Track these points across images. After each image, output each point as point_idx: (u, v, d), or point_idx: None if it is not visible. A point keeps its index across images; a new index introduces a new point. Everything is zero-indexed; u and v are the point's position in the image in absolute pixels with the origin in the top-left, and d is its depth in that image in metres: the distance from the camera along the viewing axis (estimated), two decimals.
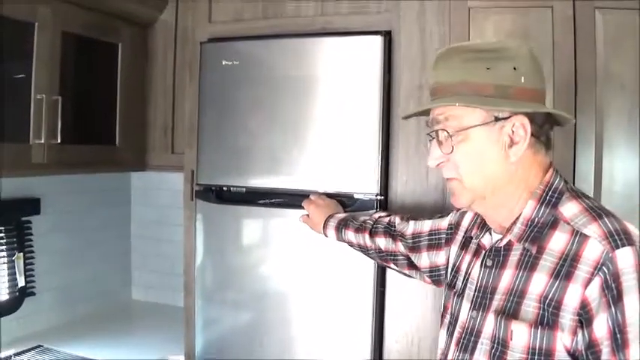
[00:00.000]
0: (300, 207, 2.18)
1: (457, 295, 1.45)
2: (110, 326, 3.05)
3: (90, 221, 3.25)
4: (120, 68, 2.82)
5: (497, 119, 1.25)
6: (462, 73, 1.27)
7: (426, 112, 1.40)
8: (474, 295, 1.37)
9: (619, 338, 1.09)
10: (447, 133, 1.29)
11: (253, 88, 2.33)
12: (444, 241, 1.65)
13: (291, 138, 2.27)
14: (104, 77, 2.81)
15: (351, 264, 2.18)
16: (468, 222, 1.55)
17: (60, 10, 2.41)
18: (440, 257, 1.65)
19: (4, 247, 2.70)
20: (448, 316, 1.47)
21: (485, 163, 1.28)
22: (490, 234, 1.40)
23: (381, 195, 2.17)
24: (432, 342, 2.09)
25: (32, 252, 2.85)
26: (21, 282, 2.75)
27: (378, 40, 2.16)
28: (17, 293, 2.76)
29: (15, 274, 2.74)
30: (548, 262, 1.22)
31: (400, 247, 1.81)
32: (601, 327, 1.11)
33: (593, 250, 1.15)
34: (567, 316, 1.15)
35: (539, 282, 1.21)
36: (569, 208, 1.25)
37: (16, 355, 2.57)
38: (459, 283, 1.46)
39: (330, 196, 2.20)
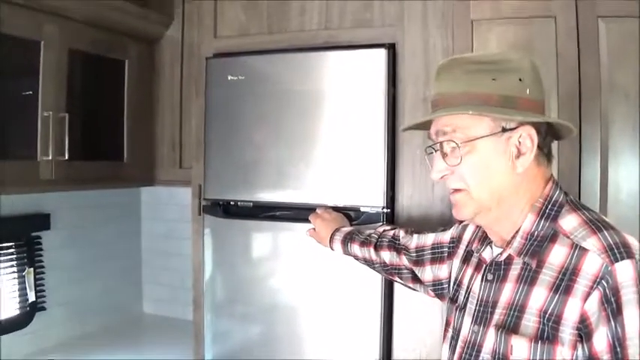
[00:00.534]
0: (307, 220, 2.17)
1: (459, 310, 1.45)
2: (121, 340, 3.06)
3: (100, 236, 3.26)
4: (127, 84, 2.85)
5: (504, 130, 1.25)
6: (465, 83, 1.27)
7: (424, 126, 1.40)
8: (475, 309, 1.37)
9: (619, 352, 1.09)
10: (455, 144, 1.28)
11: (259, 102, 2.34)
12: (446, 254, 1.64)
13: (297, 152, 2.28)
14: (111, 93, 2.83)
15: (359, 278, 2.17)
16: (470, 235, 1.55)
17: (66, 28, 2.44)
18: (442, 271, 1.65)
19: (14, 263, 2.72)
20: (450, 331, 1.47)
21: (492, 175, 1.28)
22: (491, 248, 1.39)
23: (387, 208, 2.16)
24: (440, 356, 2.08)
25: (42, 267, 2.86)
26: (31, 297, 2.77)
27: (382, 53, 2.16)
28: (28, 308, 2.77)
29: (25, 289, 2.75)
30: (547, 276, 1.21)
31: (404, 260, 1.80)
32: (601, 341, 1.10)
33: (593, 263, 1.14)
34: (567, 331, 1.15)
35: (538, 296, 1.21)
36: (569, 221, 1.24)
37: None
38: (461, 298, 1.46)
39: (336, 209, 2.20)
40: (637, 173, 1.95)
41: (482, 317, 1.33)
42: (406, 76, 2.19)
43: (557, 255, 1.21)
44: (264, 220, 2.36)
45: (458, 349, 1.40)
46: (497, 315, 1.29)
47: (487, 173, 1.28)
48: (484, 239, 1.43)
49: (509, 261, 1.31)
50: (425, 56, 2.18)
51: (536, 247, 1.25)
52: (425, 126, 1.40)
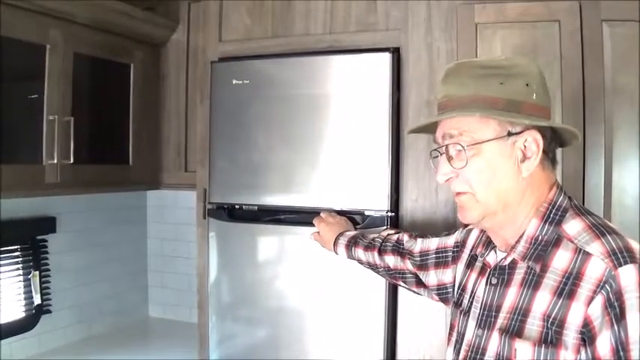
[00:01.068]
0: (312, 224, 2.18)
1: (463, 314, 1.44)
2: (127, 344, 3.07)
3: (106, 239, 3.27)
4: (132, 88, 2.86)
5: (510, 134, 1.26)
6: (474, 87, 1.27)
7: (427, 129, 1.41)
8: (479, 313, 1.37)
9: (622, 356, 1.08)
10: (462, 146, 1.28)
11: (263, 106, 2.35)
12: (450, 259, 1.64)
13: (301, 155, 2.29)
14: (117, 97, 2.84)
15: (363, 281, 2.18)
16: (474, 240, 1.55)
17: (71, 32, 2.45)
18: (447, 275, 1.64)
19: (20, 266, 2.73)
20: (455, 335, 1.47)
21: (497, 178, 1.28)
22: (495, 252, 1.39)
23: (391, 211, 2.17)
24: None
25: (48, 270, 2.88)
26: (37, 300, 2.78)
27: (386, 57, 2.17)
28: (33, 311, 2.78)
29: (31, 292, 2.76)
30: (551, 280, 1.21)
31: (408, 265, 1.80)
32: (604, 345, 1.10)
33: (596, 268, 1.14)
34: (571, 335, 1.15)
35: (542, 300, 1.21)
36: (573, 226, 1.24)
37: None
38: (465, 302, 1.46)
39: (341, 213, 2.21)
40: None
41: (487, 321, 1.33)
42: (410, 80, 2.20)
43: (561, 259, 1.21)
44: (269, 224, 2.37)
45: (462, 353, 1.40)
46: (501, 319, 1.29)
47: (492, 177, 1.28)
48: (488, 244, 1.43)
49: (513, 265, 1.31)
50: (429, 60, 2.18)
51: (540, 251, 1.25)
52: (429, 129, 1.40)
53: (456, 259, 1.61)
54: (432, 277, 1.70)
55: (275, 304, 2.36)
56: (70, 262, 3.03)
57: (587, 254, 1.17)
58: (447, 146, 1.32)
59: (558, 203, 1.29)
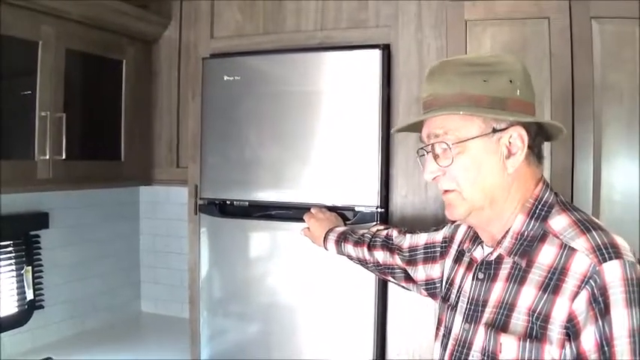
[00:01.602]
0: (302, 220, 2.19)
1: (451, 308, 1.46)
2: (119, 339, 3.08)
3: (99, 235, 3.28)
4: (124, 84, 2.86)
5: (495, 130, 1.27)
6: (458, 85, 1.28)
7: (414, 128, 1.41)
8: (466, 307, 1.38)
9: (607, 351, 1.10)
10: (447, 145, 1.29)
11: (255, 102, 2.35)
12: (438, 254, 1.65)
13: (292, 151, 2.29)
14: (109, 93, 2.84)
15: (354, 278, 2.19)
16: (462, 235, 1.56)
17: (64, 29, 2.45)
18: (435, 270, 1.65)
19: (13, 261, 2.74)
20: (442, 329, 1.48)
21: (483, 175, 1.29)
22: (482, 247, 1.40)
23: (381, 207, 2.18)
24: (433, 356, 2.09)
25: (41, 266, 2.88)
26: (30, 295, 2.78)
27: (376, 54, 2.18)
28: (26, 306, 2.79)
29: (24, 287, 2.77)
30: (537, 275, 1.22)
31: (397, 260, 1.81)
32: (588, 340, 1.12)
33: (581, 263, 1.16)
34: (555, 330, 1.16)
35: (528, 295, 1.22)
36: (558, 222, 1.25)
37: None
38: (453, 296, 1.47)
39: (331, 208, 2.22)
40: (629, 174, 1.96)
41: (473, 316, 1.34)
42: (400, 77, 2.21)
43: (547, 255, 1.23)
44: (260, 220, 2.38)
45: (449, 347, 1.41)
46: (487, 313, 1.30)
47: (478, 174, 1.29)
48: (475, 239, 1.44)
49: (499, 260, 1.32)
50: (419, 57, 2.20)
51: (526, 246, 1.26)
52: (416, 128, 1.41)
53: (444, 254, 1.62)
54: (420, 273, 1.71)
55: (266, 299, 2.37)
56: (63, 258, 3.04)
57: (573, 250, 1.18)
58: (432, 145, 1.33)
59: (544, 199, 1.30)
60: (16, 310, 2.75)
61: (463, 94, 1.27)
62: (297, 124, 2.28)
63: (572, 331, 1.14)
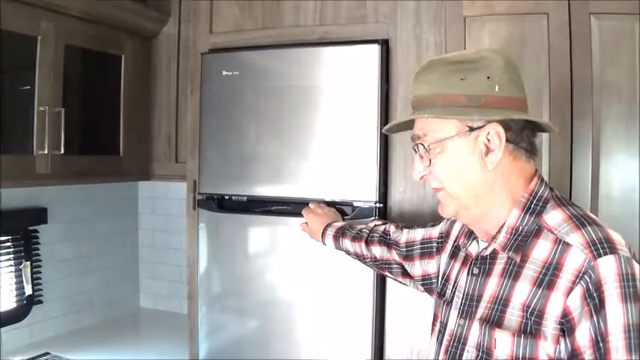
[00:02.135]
0: (301, 215, 2.19)
1: (446, 304, 1.46)
2: (117, 334, 3.08)
3: (97, 230, 3.28)
4: (123, 79, 2.85)
5: (471, 129, 1.27)
6: (438, 86, 1.29)
7: (409, 127, 1.42)
8: (461, 303, 1.38)
9: (602, 347, 1.09)
10: (423, 146, 1.32)
11: (253, 97, 2.35)
12: (435, 249, 1.66)
13: (290, 147, 2.29)
14: (108, 88, 2.84)
15: (352, 273, 2.18)
16: (457, 231, 1.56)
17: (63, 24, 2.45)
18: (431, 266, 1.66)
19: (11, 256, 2.74)
20: (438, 325, 1.48)
21: (464, 173, 1.30)
22: (477, 242, 1.41)
23: (379, 203, 2.18)
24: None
25: (39, 261, 2.88)
26: (28, 290, 2.79)
27: (375, 49, 2.17)
28: (25, 302, 2.79)
29: (22, 282, 2.77)
30: (531, 270, 1.22)
31: (394, 255, 1.82)
32: (583, 336, 1.11)
33: (575, 258, 1.16)
34: (550, 325, 1.16)
35: (522, 291, 1.22)
36: (553, 217, 1.25)
37: None
38: (448, 292, 1.47)
39: (330, 204, 2.22)
40: (628, 170, 1.96)
41: (468, 311, 1.35)
42: (399, 72, 2.21)
43: (541, 250, 1.23)
44: (259, 215, 2.37)
45: (444, 343, 1.41)
46: (482, 309, 1.30)
47: (459, 172, 1.30)
48: (470, 234, 1.44)
49: (494, 255, 1.32)
50: (418, 52, 2.19)
51: (521, 242, 1.26)
52: (410, 127, 1.42)
53: (440, 249, 1.63)
54: (417, 268, 1.72)
55: (264, 294, 2.37)
56: (62, 253, 3.04)
57: (567, 245, 1.18)
58: (417, 145, 1.35)
59: (539, 194, 1.30)
60: (14, 305, 2.76)
61: (440, 95, 1.28)
62: (296, 119, 2.28)
63: (566, 327, 1.14)
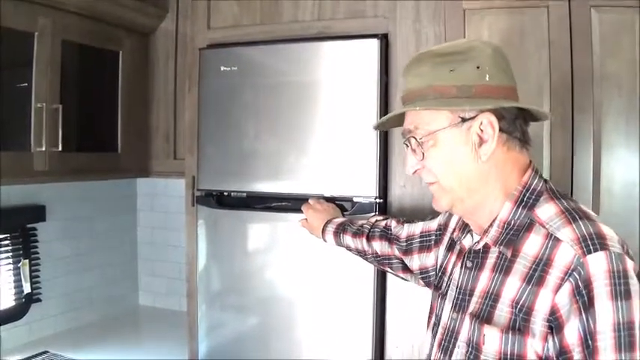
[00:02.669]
0: (300, 211, 2.17)
1: (441, 296, 1.45)
2: (117, 332, 3.07)
3: (96, 227, 3.27)
4: (121, 76, 2.84)
5: (463, 120, 1.26)
6: (428, 78, 1.28)
7: (401, 123, 1.41)
8: (455, 296, 1.38)
9: (590, 345, 1.08)
10: (416, 139, 1.30)
11: (252, 93, 2.34)
12: (433, 242, 1.65)
13: (290, 142, 2.28)
14: (105, 85, 2.83)
15: (352, 269, 2.17)
16: (454, 223, 1.54)
17: (60, 20, 2.43)
18: (429, 259, 1.65)
19: (9, 254, 2.73)
20: (433, 317, 1.48)
21: (457, 165, 1.29)
22: (471, 235, 1.39)
23: (379, 198, 2.17)
24: None
25: (38, 259, 2.87)
26: (27, 288, 2.78)
27: (374, 44, 2.16)
28: (23, 300, 2.78)
29: (21, 280, 2.76)
30: (521, 266, 1.21)
31: (395, 250, 1.80)
32: (572, 333, 1.10)
33: (565, 254, 1.14)
34: (538, 322, 1.15)
35: (512, 286, 1.21)
36: (546, 210, 1.24)
37: None
38: (444, 284, 1.46)
39: (329, 199, 2.20)
40: (630, 164, 1.95)
41: (461, 305, 1.34)
42: (398, 67, 2.19)
43: (532, 245, 1.21)
44: (258, 211, 2.36)
45: (438, 336, 1.41)
46: (474, 303, 1.29)
47: (452, 164, 1.29)
48: (465, 227, 1.43)
49: (486, 249, 1.31)
50: (417, 46, 2.18)
51: (512, 236, 1.25)
52: (401, 122, 1.41)
53: (438, 242, 1.62)
54: (415, 262, 1.71)
55: (264, 291, 2.36)
56: (60, 251, 3.03)
57: (558, 240, 1.16)
58: (408, 139, 1.33)
59: (533, 186, 1.29)
60: (13, 303, 2.75)
61: (430, 87, 1.27)
62: (295, 115, 2.27)
63: (554, 325, 1.13)
